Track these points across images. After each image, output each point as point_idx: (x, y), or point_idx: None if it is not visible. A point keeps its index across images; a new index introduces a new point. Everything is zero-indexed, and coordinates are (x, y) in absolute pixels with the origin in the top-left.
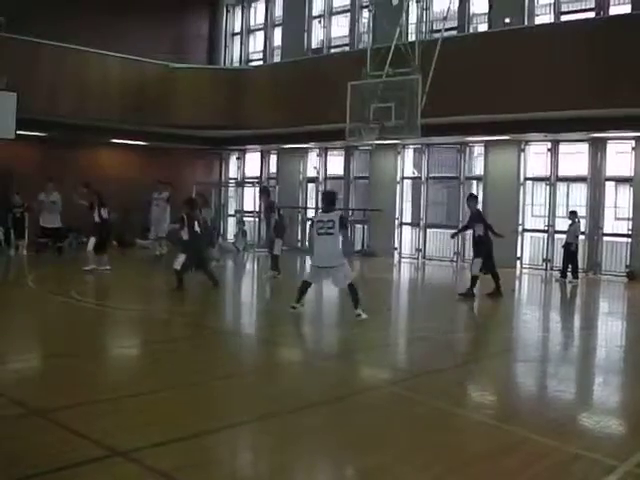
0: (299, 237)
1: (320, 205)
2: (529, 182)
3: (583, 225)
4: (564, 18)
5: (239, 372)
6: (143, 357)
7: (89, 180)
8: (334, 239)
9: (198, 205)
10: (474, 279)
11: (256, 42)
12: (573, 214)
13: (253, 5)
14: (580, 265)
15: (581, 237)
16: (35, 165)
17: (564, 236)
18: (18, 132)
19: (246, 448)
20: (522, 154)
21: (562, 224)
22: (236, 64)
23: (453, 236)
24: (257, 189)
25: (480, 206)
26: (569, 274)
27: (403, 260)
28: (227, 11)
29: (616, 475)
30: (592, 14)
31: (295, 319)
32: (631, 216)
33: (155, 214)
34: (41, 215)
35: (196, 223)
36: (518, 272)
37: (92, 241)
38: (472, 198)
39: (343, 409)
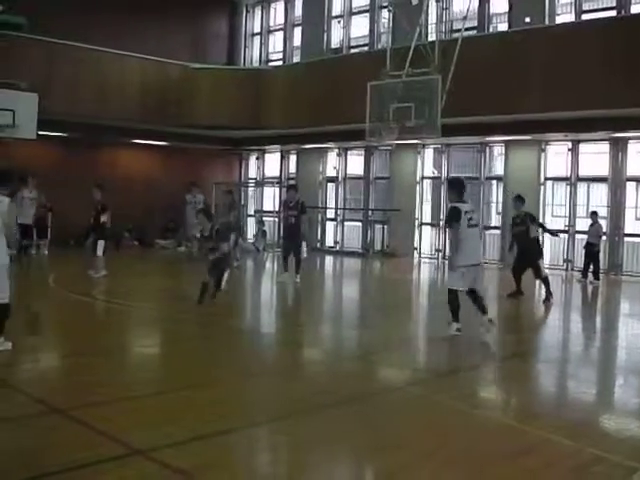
0: (319, 237)
1: (449, 195)
2: (549, 182)
3: (604, 225)
4: (585, 17)
5: (259, 372)
6: (164, 356)
7: (102, 181)
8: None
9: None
10: (546, 280)
11: (276, 42)
12: (594, 214)
13: (273, 5)
14: (601, 266)
15: (602, 238)
16: (56, 165)
17: (585, 236)
18: (39, 132)
19: (266, 447)
20: (542, 154)
21: (582, 224)
22: (256, 64)
23: (510, 249)
24: (277, 189)
25: (500, 207)
26: (590, 274)
27: (423, 260)
28: (247, 11)
29: (638, 477)
30: (613, 13)
31: (316, 319)
32: None
33: (190, 217)
34: (20, 212)
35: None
36: None
37: (101, 244)
38: (518, 199)
39: (364, 409)
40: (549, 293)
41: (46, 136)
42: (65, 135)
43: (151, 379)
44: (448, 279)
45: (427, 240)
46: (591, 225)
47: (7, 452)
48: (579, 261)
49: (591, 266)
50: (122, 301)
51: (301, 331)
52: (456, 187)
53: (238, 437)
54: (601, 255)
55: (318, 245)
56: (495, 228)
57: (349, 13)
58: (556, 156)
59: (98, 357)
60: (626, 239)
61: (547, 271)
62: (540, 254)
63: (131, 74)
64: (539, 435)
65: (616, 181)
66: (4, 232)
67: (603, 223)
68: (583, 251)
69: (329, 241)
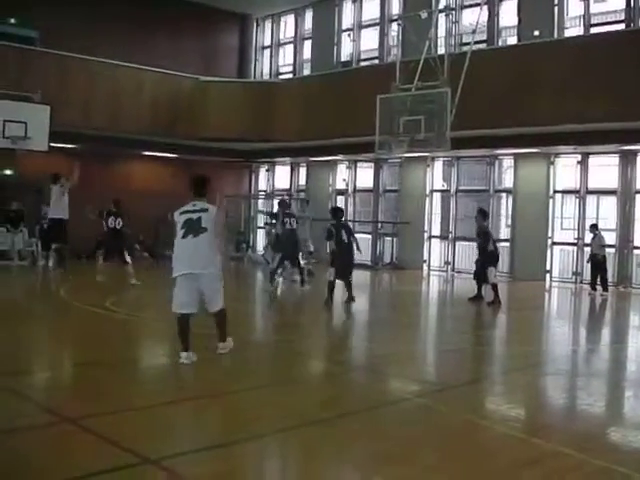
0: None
1: None
2: (558, 195)
3: (613, 238)
4: (594, 30)
5: (269, 383)
6: (175, 366)
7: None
8: None
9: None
10: (495, 286)
11: (286, 55)
12: (594, 227)
13: (283, 18)
14: (610, 278)
15: (611, 250)
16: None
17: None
18: (51, 144)
19: (276, 457)
20: (552, 167)
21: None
22: (266, 77)
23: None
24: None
25: (510, 220)
26: (598, 287)
27: (432, 273)
28: (257, 24)
29: None
30: (622, 26)
31: (325, 331)
32: None
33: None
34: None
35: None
36: (548, 285)
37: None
38: (479, 214)
39: (372, 420)
40: (497, 298)
41: (58, 148)
42: (77, 147)
43: (163, 389)
44: None
45: (436, 253)
46: (592, 238)
47: (18, 461)
48: (588, 274)
49: (599, 277)
50: (136, 313)
51: (310, 343)
52: None
53: (247, 447)
54: (609, 266)
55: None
56: (505, 241)
57: (359, 26)
58: (565, 169)
59: (110, 367)
60: (636, 252)
61: (497, 279)
62: (491, 263)
63: (143, 87)
64: (546, 447)
65: (625, 194)
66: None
67: (612, 236)
68: (589, 264)
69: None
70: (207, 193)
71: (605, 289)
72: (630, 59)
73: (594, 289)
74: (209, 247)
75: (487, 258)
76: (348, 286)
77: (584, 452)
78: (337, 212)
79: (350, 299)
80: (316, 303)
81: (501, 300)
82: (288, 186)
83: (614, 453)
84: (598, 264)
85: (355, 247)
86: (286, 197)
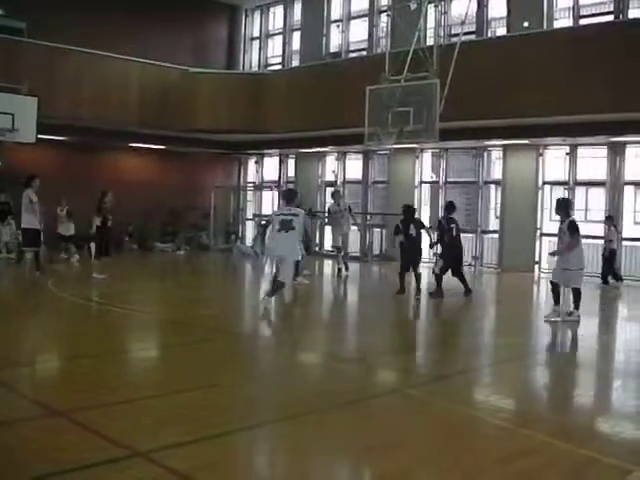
0: (317, 241)
1: (560, 211)
2: (547, 186)
3: (601, 230)
4: (583, 21)
5: (260, 374)
6: (164, 359)
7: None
8: None
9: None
10: (438, 277)
11: (275, 46)
12: (610, 219)
13: (272, 10)
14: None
15: (600, 241)
16: (55, 169)
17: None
18: (39, 136)
19: (266, 449)
20: (540, 158)
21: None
22: (255, 68)
23: (432, 246)
24: (275, 192)
25: (499, 212)
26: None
27: (421, 264)
28: (246, 16)
29: (632, 479)
30: (611, 17)
31: (318, 323)
32: None
33: (343, 226)
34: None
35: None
36: (536, 277)
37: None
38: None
39: (362, 412)
40: (440, 289)
41: (46, 140)
42: (65, 139)
43: (152, 382)
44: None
45: (425, 244)
46: (608, 229)
47: (7, 454)
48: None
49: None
50: (122, 305)
51: (302, 334)
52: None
53: (237, 439)
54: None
55: (317, 249)
56: (494, 232)
57: (348, 17)
58: (554, 160)
59: (99, 360)
60: (625, 243)
61: (438, 271)
62: (441, 255)
63: (131, 78)
64: (535, 437)
65: (614, 185)
66: (300, 237)
67: (600, 227)
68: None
69: (327, 245)
70: (294, 201)
71: (618, 280)
72: (619, 50)
73: (606, 282)
74: (293, 240)
75: (443, 249)
76: (417, 278)
77: (573, 442)
78: (407, 210)
79: (418, 291)
80: (309, 296)
81: (443, 292)
82: (277, 178)
83: (602, 443)
84: (604, 258)
85: (428, 240)
86: (291, 187)
